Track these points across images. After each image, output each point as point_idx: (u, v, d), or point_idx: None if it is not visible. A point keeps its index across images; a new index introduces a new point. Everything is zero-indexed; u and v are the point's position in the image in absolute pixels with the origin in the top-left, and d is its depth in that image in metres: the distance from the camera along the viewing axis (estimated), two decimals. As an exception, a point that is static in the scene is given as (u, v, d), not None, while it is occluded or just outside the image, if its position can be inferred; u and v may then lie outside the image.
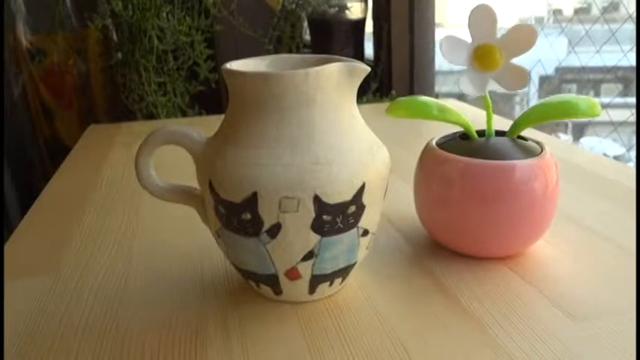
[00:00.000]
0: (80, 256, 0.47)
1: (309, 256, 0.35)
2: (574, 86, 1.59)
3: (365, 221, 0.35)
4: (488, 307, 0.38)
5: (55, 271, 0.45)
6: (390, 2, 1.16)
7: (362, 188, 0.34)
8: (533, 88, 1.56)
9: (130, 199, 0.60)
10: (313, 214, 0.33)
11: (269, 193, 0.32)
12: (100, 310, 0.39)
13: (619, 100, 1.36)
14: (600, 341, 0.34)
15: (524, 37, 0.40)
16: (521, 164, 0.41)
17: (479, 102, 0.43)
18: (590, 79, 1.52)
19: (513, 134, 0.44)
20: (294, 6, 1.26)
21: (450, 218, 0.43)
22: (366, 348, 0.34)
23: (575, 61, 1.35)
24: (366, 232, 0.36)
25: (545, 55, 1.38)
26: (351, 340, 0.35)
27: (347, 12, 1.31)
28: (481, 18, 0.41)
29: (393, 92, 1.19)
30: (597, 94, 1.46)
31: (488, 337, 0.34)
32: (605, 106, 1.29)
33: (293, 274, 0.36)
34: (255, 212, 0.33)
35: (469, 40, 0.42)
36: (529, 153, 0.42)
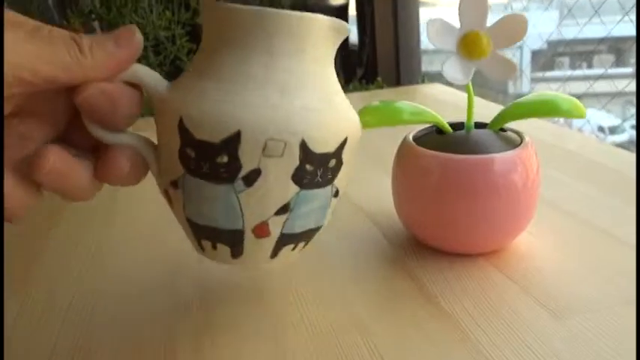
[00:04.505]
0: (51, 270, 0.46)
1: (284, 210, 0.33)
2: (566, 59, 1.56)
3: (339, 180, 0.34)
4: (468, 307, 0.36)
5: (23, 290, 0.43)
6: (372, -16, 1.14)
7: (344, 142, 0.33)
8: (526, 60, 1.53)
9: (106, 206, 0.59)
10: (297, 162, 0.31)
11: (254, 133, 0.30)
12: (70, 331, 0.38)
13: (612, 71, 1.33)
14: (586, 340, 0.32)
15: (514, 27, 0.39)
16: (500, 157, 0.39)
17: (464, 86, 0.42)
18: (582, 52, 1.49)
19: (494, 127, 0.43)
20: (276, -8, 1.23)
21: (428, 214, 0.42)
22: (338, 351, 0.33)
23: (566, 34, 1.32)
24: (337, 193, 0.35)
25: (536, 29, 1.36)
26: (324, 341, 0.34)
27: (330, -4, 1.29)
28: (472, 5, 0.39)
29: (379, 79, 1.17)
30: (590, 66, 1.44)
31: (468, 339, 0.33)
32: (598, 78, 1.27)
33: (262, 231, 0.33)
34: (234, 155, 0.31)
35: (457, 25, 0.40)
36: (508, 144, 0.41)
